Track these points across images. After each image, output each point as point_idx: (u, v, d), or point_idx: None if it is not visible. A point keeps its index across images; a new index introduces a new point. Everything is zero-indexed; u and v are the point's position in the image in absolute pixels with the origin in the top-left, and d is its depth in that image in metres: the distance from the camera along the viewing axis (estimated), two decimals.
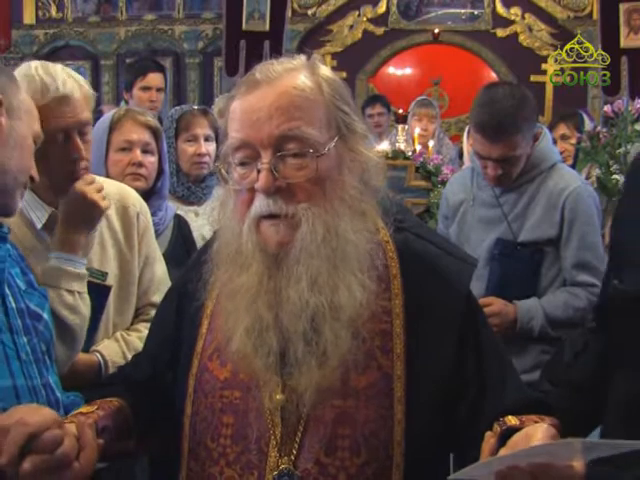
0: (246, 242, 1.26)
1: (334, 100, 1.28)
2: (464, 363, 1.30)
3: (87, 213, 1.88)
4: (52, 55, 9.30)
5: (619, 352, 1.54)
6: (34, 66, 1.86)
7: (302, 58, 1.32)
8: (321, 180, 1.24)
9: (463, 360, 1.30)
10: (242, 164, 1.26)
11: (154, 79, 4.33)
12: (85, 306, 1.88)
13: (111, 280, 2.01)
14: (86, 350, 1.95)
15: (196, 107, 3.06)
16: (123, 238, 2.06)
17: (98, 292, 1.96)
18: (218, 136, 2.80)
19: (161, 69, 4.57)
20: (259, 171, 1.23)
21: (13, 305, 1.44)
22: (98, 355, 1.96)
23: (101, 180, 2.08)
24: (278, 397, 1.26)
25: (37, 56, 9.24)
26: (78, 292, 1.86)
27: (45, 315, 1.55)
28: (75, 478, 1.15)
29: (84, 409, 1.32)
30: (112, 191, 2.07)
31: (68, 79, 1.86)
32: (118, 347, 1.99)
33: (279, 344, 1.24)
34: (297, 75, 1.27)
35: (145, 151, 2.48)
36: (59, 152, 1.85)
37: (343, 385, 1.25)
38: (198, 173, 2.95)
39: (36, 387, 1.44)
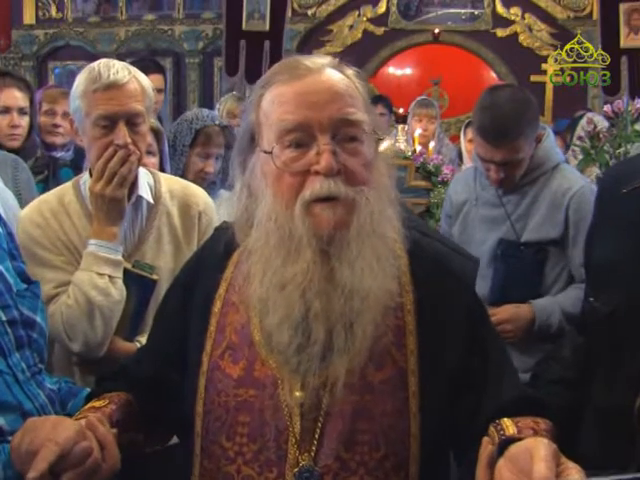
0: (297, 227, 1.22)
1: (367, 99, 1.32)
2: (471, 358, 1.31)
3: (108, 208, 1.98)
4: (52, 55, 9.31)
5: (594, 365, 1.56)
6: (101, 60, 2.01)
7: (329, 58, 1.33)
8: (370, 166, 1.26)
9: (471, 355, 1.31)
10: (297, 146, 1.23)
11: (153, 80, 4.24)
12: (117, 291, 1.97)
13: (165, 274, 2.06)
14: (130, 339, 2.05)
15: (217, 122, 2.84)
16: (182, 235, 2.12)
17: (143, 284, 2.04)
18: (227, 151, 2.78)
19: (160, 70, 4.54)
20: (319, 153, 1.21)
21: (3, 318, 1.37)
22: (138, 345, 2.00)
23: (172, 179, 2.20)
24: (297, 394, 1.25)
25: (37, 56, 9.26)
26: (109, 276, 1.96)
27: (38, 318, 1.47)
28: (106, 476, 1.21)
29: (96, 403, 1.34)
30: (176, 189, 2.17)
31: (122, 70, 1.97)
32: None
33: (325, 333, 1.22)
34: (337, 70, 1.29)
35: (146, 152, 2.46)
36: (106, 140, 1.95)
37: (361, 380, 1.25)
38: (199, 186, 2.90)
39: (42, 404, 1.41)
